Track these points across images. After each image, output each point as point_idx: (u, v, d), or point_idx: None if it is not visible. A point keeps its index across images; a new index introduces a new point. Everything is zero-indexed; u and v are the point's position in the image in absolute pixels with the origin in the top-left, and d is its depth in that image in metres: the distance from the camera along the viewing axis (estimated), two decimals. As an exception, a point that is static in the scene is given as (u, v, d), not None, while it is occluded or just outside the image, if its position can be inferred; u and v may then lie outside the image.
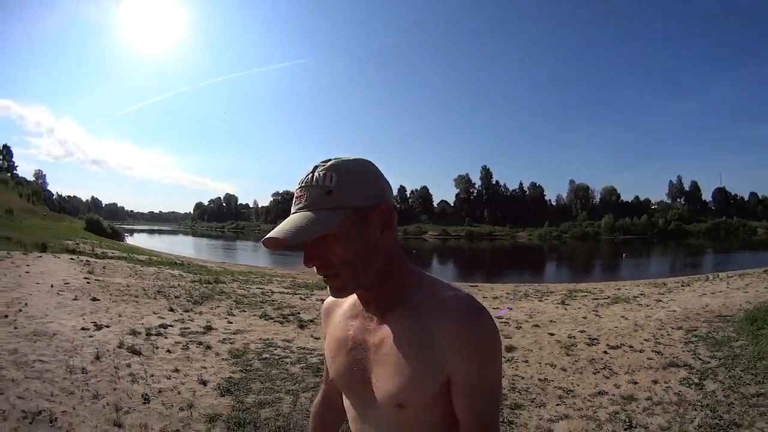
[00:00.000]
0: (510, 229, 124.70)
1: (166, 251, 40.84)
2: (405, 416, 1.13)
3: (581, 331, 8.81)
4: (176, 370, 5.84)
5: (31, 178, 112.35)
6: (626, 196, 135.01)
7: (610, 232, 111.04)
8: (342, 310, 1.33)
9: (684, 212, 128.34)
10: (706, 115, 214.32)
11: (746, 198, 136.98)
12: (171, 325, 7.96)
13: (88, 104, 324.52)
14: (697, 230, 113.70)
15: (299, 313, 10.13)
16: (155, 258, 26.25)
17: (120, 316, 8.28)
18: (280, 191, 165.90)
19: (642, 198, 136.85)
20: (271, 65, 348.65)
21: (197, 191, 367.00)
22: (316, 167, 1.13)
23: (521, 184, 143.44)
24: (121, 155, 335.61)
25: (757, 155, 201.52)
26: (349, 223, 1.09)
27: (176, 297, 10.73)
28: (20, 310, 7.81)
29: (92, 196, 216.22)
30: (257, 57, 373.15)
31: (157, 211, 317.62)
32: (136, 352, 6.29)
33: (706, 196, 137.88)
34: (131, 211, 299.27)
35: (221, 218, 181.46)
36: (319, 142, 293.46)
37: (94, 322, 7.52)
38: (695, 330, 8.74)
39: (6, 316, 7.30)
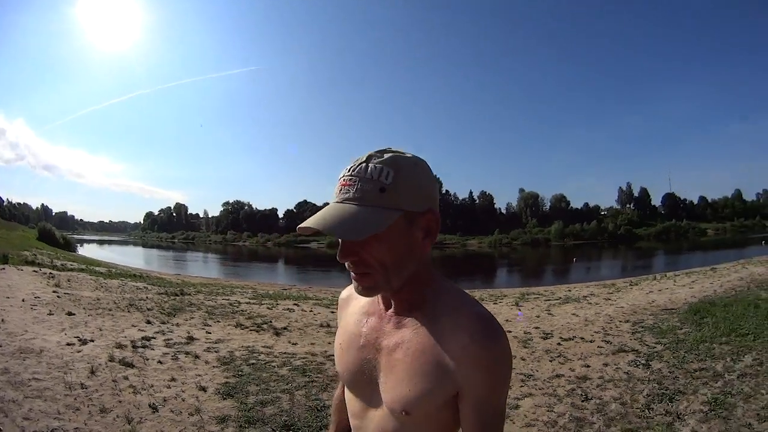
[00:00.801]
0: (460, 237, 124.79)
1: (122, 263, 39.82)
2: (408, 422, 1.15)
3: (536, 328, 9.64)
4: (173, 379, 6.00)
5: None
6: (576, 203, 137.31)
7: (560, 238, 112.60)
8: (360, 304, 1.34)
9: (634, 217, 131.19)
10: (656, 122, 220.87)
11: (696, 202, 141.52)
12: (153, 337, 8.03)
13: (41, 107, 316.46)
14: (647, 234, 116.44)
15: (271, 321, 10.36)
16: (114, 270, 25.70)
17: (101, 329, 8.25)
18: (231, 201, 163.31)
19: (592, 205, 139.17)
20: (225, 71, 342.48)
21: (147, 200, 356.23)
22: (370, 156, 1.10)
23: (471, 192, 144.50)
24: (72, 161, 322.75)
25: (704, 160, 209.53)
26: (396, 225, 1.08)
27: (149, 309, 10.73)
28: None
29: (42, 204, 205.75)
30: (211, 62, 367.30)
31: (107, 221, 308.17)
32: (129, 365, 6.37)
33: (656, 201, 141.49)
34: (81, 220, 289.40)
35: (171, 228, 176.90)
36: (269, 150, 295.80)
37: (78, 337, 7.49)
38: (642, 322, 9.68)
39: None
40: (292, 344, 8.42)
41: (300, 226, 1.08)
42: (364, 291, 1.13)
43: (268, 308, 12.30)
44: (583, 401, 5.43)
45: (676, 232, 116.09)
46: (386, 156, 1.09)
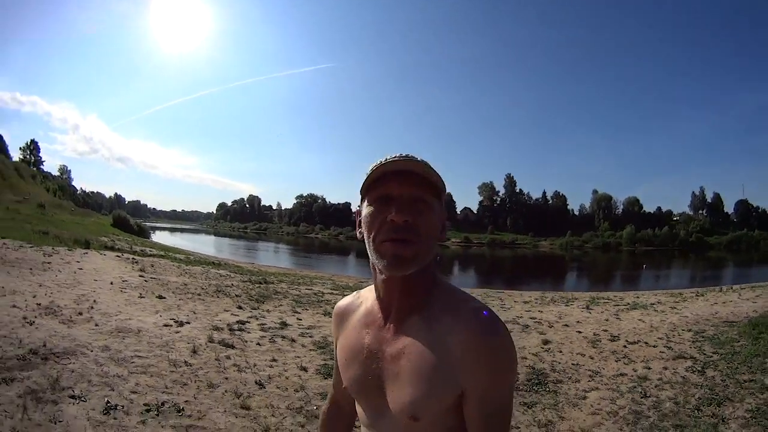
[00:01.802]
0: (532, 237, 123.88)
1: (196, 250, 40.94)
2: (417, 427, 1.16)
3: (604, 330, 9.91)
4: (274, 360, 6.40)
5: (55, 173, 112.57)
6: (648, 207, 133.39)
7: (632, 243, 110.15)
8: (357, 317, 1.35)
9: (706, 224, 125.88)
10: (730, 126, 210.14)
11: None
12: (248, 322, 8.41)
13: (114, 103, 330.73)
14: (718, 243, 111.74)
15: None
16: (192, 258, 26.52)
17: (194, 312, 8.66)
18: (304, 194, 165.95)
19: (664, 209, 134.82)
20: (297, 68, 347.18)
21: (220, 191, 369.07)
22: (410, 154, 1.18)
23: (545, 193, 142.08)
24: (145, 153, 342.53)
25: None
26: (439, 206, 1.19)
27: (237, 296, 11.18)
28: (92, 308, 7.99)
29: (115, 193, 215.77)
30: (284, 60, 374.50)
31: (180, 210, 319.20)
32: (229, 346, 6.73)
33: (729, 208, 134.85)
34: (153, 208, 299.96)
35: (244, 219, 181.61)
36: (342, 146, 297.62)
37: (174, 319, 7.86)
38: (703, 332, 9.82)
39: (80, 314, 7.47)
40: None
41: (388, 160, 1.14)
42: (403, 262, 1.13)
43: None
44: (641, 398, 5.86)
45: (748, 242, 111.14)
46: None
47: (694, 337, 9.40)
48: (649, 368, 7.14)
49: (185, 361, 5.82)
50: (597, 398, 5.92)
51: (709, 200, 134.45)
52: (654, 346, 8.50)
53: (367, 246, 1.19)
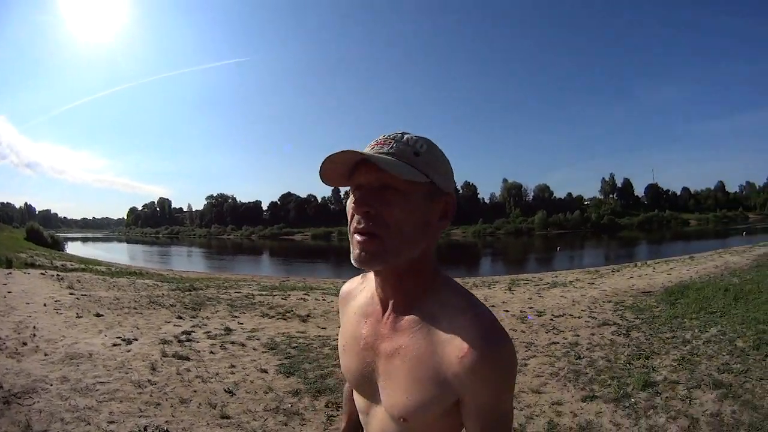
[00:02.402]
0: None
1: (115, 260, 39.45)
2: (408, 428, 1.14)
3: (530, 308, 10.71)
4: (233, 366, 6.40)
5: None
6: (559, 194, 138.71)
7: (544, 228, 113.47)
8: (357, 304, 1.31)
9: (617, 207, 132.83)
10: (640, 115, 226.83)
11: (678, 193, 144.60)
12: (193, 331, 8.26)
13: (23, 103, 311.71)
14: (630, 223, 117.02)
15: (292, 310, 10.78)
16: (114, 269, 25.66)
17: (137, 328, 8.42)
18: (215, 194, 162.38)
19: (575, 195, 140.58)
20: (209, 63, 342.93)
21: (131, 195, 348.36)
22: (404, 132, 1.11)
23: (455, 184, 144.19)
24: (54, 158, 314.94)
25: (687, 152, 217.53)
26: (423, 190, 1.07)
27: (172, 306, 10.94)
28: (34, 335, 7.59)
29: (26, 203, 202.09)
30: (197, 54, 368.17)
31: (90, 217, 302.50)
32: (184, 358, 6.63)
33: (639, 191, 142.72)
34: (64, 217, 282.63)
35: (155, 223, 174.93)
36: (253, 143, 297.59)
37: (120, 337, 7.55)
38: (623, 302, 10.88)
39: (25, 344, 7.04)
40: (322, 328, 8.97)
41: (338, 152, 1.03)
42: (367, 257, 1.05)
43: (282, 299, 12.63)
44: (576, 359, 6.62)
45: (659, 222, 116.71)
46: (418, 135, 1.11)
47: (615, 307, 10.38)
48: (578, 335, 7.94)
49: (149, 380, 5.69)
50: (537, 364, 6.53)
51: (619, 185, 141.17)
52: (579, 317, 9.37)
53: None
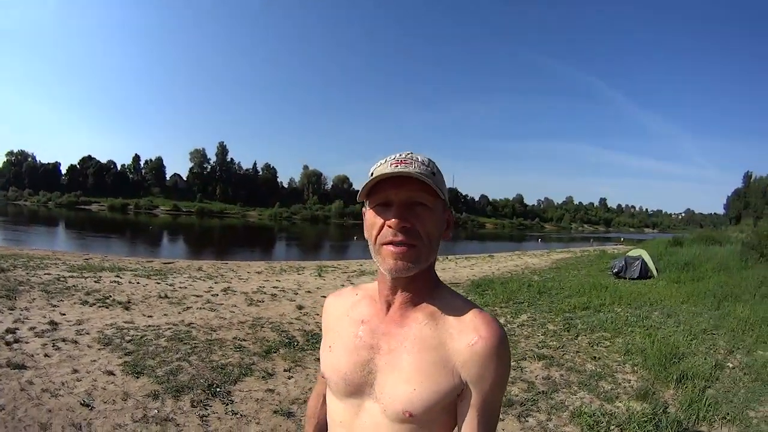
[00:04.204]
0: (241, 207, 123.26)
1: None
2: (408, 426, 1.13)
3: None
4: (75, 371, 5.43)
5: None
6: (357, 185, 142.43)
7: (341, 217, 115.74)
8: (353, 311, 1.31)
9: None
10: (447, 127, 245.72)
11: (476, 198, 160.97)
12: (17, 328, 6.80)
13: None
14: None
15: (111, 296, 9.67)
16: None
17: None
18: (15, 150, 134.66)
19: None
20: None
21: None
22: (411, 152, 1.18)
23: (255, 163, 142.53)
24: None
25: (489, 164, 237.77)
26: (440, 206, 1.18)
27: None
28: None
29: None
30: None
31: None
32: (21, 366, 5.39)
33: None
34: None
35: None
36: (64, 89, 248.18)
37: None
38: None
39: None
40: (148, 317, 8.21)
41: (382, 172, 1.12)
42: (405, 265, 1.13)
43: (95, 281, 11.30)
44: None
45: (455, 223, 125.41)
46: (421, 154, 1.19)
47: None
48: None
49: None
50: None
51: None
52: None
53: (370, 248, 1.20)
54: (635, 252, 16.75)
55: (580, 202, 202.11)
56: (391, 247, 1.13)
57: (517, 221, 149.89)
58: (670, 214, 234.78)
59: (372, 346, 1.20)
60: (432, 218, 1.15)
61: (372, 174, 1.15)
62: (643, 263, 15.64)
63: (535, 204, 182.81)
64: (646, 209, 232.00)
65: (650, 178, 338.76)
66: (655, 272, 15.76)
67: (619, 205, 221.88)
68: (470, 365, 1.09)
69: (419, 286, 1.20)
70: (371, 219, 1.18)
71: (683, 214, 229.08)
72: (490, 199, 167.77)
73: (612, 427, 4.51)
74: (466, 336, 1.11)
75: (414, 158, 1.15)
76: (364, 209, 1.25)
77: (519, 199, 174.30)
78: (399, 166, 1.12)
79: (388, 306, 1.23)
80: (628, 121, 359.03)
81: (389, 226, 1.12)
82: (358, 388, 1.20)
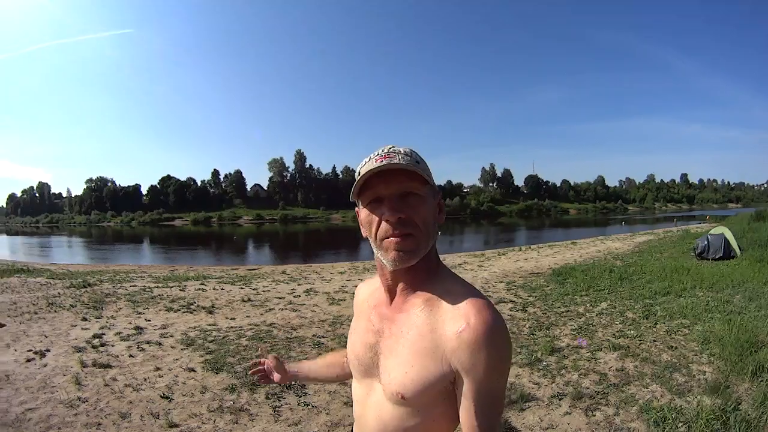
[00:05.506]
0: (324, 211, 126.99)
1: None
2: (405, 408, 1.16)
3: None
4: (158, 368, 5.89)
5: None
6: (439, 180, 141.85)
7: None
8: (369, 295, 1.40)
9: (496, 195, 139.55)
10: (523, 114, 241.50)
11: (558, 184, 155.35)
12: (103, 334, 7.52)
13: None
14: (510, 210, 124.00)
15: (195, 302, 10.28)
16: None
17: (45, 336, 7.42)
18: (94, 177, 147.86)
19: (455, 182, 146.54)
20: (89, 34, 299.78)
21: (10, 180, 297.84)
22: (393, 145, 1.21)
23: (334, 167, 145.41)
24: None
25: (568, 150, 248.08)
26: (430, 192, 1.21)
27: (72, 306, 9.82)
28: None
29: None
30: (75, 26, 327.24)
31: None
32: (106, 366, 5.95)
33: (519, 182, 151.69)
34: None
35: (35, 211, 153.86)
36: (138, 119, 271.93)
37: (31, 350, 6.61)
38: (514, 282, 11.45)
39: None
40: (230, 319, 8.61)
41: (368, 168, 1.15)
42: (405, 255, 1.15)
43: (180, 290, 12.01)
44: None
45: (539, 210, 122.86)
46: (403, 146, 1.23)
47: (508, 287, 10.88)
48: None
49: (79, 397, 4.94)
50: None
51: (499, 175, 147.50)
52: (474, 298, 9.91)
53: (372, 245, 1.23)
54: (717, 230, 15.65)
55: (661, 180, 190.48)
56: (392, 239, 1.15)
57: (600, 205, 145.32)
58: (753, 186, 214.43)
59: (378, 331, 1.27)
60: (424, 205, 1.18)
61: (359, 173, 1.19)
62: (726, 242, 14.63)
63: (617, 185, 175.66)
64: (728, 182, 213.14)
65: (729, 148, 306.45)
66: (738, 251, 14.65)
67: (701, 180, 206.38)
68: (459, 353, 1.08)
69: (418, 273, 1.22)
70: (366, 217, 1.21)
71: (766, 185, 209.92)
72: (572, 184, 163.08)
73: (679, 424, 4.12)
74: (456, 323, 1.10)
75: (396, 151, 1.19)
76: (357, 209, 1.28)
77: (600, 181, 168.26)
78: (384, 161, 1.14)
79: (393, 292, 1.26)
80: (700, 91, 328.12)
81: (385, 221, 1.15)
82: (368, 369, 1.28)
